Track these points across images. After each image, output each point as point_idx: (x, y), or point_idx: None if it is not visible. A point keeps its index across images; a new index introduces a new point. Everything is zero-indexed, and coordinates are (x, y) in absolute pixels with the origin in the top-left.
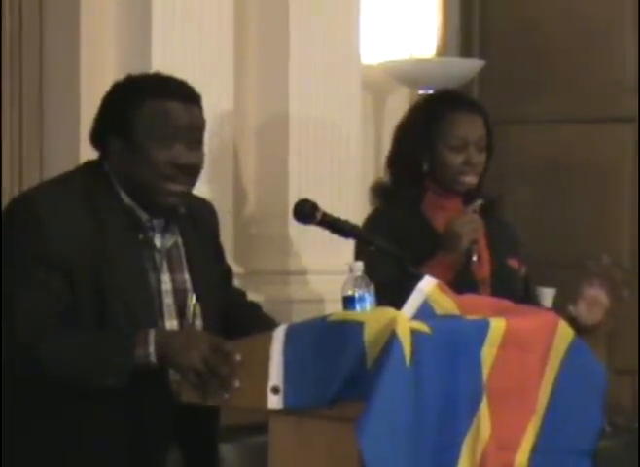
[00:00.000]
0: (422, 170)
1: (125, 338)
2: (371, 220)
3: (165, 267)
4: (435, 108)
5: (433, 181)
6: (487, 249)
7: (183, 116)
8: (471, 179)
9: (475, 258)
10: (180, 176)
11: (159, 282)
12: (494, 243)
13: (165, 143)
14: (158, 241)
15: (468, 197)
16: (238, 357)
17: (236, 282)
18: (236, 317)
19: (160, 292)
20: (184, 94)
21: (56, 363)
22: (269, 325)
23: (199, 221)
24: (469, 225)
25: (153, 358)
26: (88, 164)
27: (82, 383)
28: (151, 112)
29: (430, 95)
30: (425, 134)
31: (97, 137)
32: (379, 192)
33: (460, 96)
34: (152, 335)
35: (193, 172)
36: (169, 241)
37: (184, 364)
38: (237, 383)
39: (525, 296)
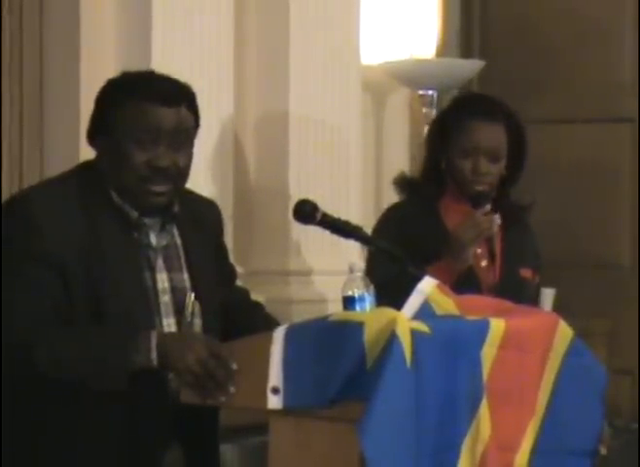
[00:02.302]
0: (441, 168)
1: (126, 341)
2: (383, 216)
3: (162, 265)
4: (455, 112)
5: (451, 180)
6: (501, 257)
7: (164, 119)
8: (481, 188)
9: (484, 263)
10: (160, 178)
11: (154, 280)
12: (509, 252)
13: (144, 145)
14: (153, 240)
15: (477, 202)
16: (235, 366)
17: (237, 282)
18: (239, 316)
19: (155, 290)
20: (168, 96)
21: (54, 365)
22: (272, 325)
23: (202, 222)
24: (473, 230)
25: (155, 363)
26: (85, 164)
27: (80, 385)
28: (130, 114)
29: (456, 98)
30: (442, 137)
31: (90, 136)
32: (402, 185)
33: (481, 102)
34: (153, 339)
35: (175, 173)
36: (165, 240)
37: (181, 366)
38: (233, 389)
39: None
